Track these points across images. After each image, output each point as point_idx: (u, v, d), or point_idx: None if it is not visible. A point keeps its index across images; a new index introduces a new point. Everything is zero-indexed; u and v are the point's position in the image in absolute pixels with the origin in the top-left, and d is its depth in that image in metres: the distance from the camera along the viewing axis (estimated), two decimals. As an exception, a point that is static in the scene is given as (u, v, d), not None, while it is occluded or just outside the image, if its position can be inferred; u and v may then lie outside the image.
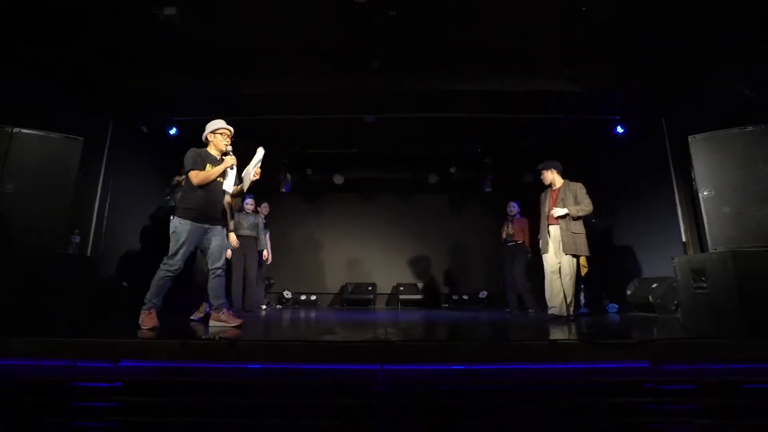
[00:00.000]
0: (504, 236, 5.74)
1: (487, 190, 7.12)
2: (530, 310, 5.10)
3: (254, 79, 4.66)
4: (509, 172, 7.31)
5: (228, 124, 3.22)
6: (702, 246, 4.30)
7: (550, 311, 3.99)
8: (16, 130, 3.24)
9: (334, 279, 7.97)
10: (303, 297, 7.75)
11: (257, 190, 7.08)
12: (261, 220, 5.85)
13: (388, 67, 4.47)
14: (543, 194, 4.35)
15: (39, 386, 1.96)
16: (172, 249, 2.91)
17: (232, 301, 5.53)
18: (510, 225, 5.71)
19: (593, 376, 2.04)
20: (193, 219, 2.94)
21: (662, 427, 1.87)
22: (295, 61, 4.41)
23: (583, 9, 3.52)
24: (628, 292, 5.06)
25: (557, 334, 2.88)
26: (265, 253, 5.89)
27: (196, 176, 2.96)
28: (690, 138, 3.28)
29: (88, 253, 4.34)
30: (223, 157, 3.15)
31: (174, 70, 4.49)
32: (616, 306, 5.30)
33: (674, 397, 1.95)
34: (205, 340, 2.22)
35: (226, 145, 3.15)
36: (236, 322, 3.04)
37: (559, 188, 4.19)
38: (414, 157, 7.12)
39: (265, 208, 6.28)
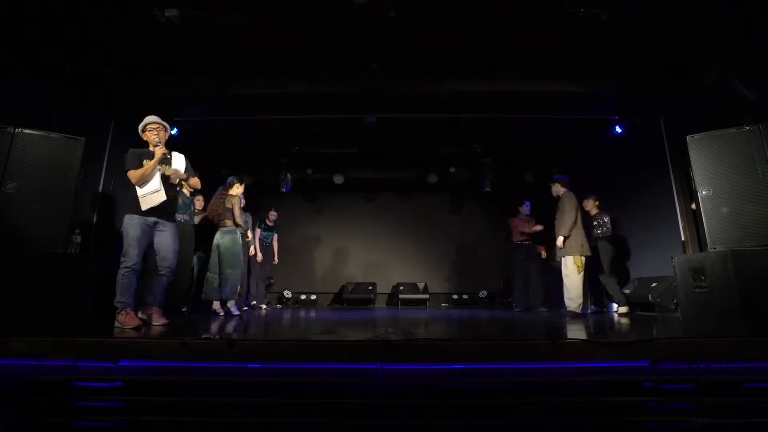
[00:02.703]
0: (529, 234, 5.82)
1: (487, 189, 7.12)
2: (517, 309, 5.12)
3: (255, 80, 4.65)
4: (508, 172, 7.30)
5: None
6: (701, 245, 4.29)
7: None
8: (17, 130, 3.24)
9: (334, 278, 7.96)
10: (303, 296, 7.74)
11: (257, 191, 7.11)
12: (250, 218, 5.73)
13: (387, 68, 4.46)
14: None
15: (40, 386, 1.95)
16: (124, 246, 2.95)
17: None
18: (531, 222, 5.79)
19: (593, 375, 2.03)
20: (140, 213, 2.97)
21: (662, 427, 1.86)
22: (296, 61, 4.40)
23: (581, 11, 3.51)
24: (627, 292, 5.05)
25: (557, 333, 2.88)
26: (251, 250, 5.76)
27: (132, 175, 3.00)
28: (688, 138, 3.27)
29: (89, 253, 4.32)
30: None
31: (175, 70, 4.48)
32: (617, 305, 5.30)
33: (674, 396, 1.94)
34: (205, 340, 2.21)
35: (156, 139, 3.14)
36: (162, 321, 3.05)
37: (560, 200, 4.62)
38: (414, 157, 7.11)
39: (272, 215, 6.23)
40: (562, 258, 4.45)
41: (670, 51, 4.02)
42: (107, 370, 1.99)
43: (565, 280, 4.41)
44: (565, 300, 4.44)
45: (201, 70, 4.49)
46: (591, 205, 5.14)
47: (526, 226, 5.83)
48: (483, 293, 7.70)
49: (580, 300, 4.33)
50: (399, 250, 8.08)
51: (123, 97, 4.60)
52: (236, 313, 4.36)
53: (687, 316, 3.11)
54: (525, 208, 5.94)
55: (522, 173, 7.24)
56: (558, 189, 4.70)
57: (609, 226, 5.05)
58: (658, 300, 4.46)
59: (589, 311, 4.57)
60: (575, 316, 4.22)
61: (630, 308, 4.77)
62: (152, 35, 3.78)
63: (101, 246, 4.47)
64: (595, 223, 5.05)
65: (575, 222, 4.41)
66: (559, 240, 4.38)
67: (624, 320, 4.01)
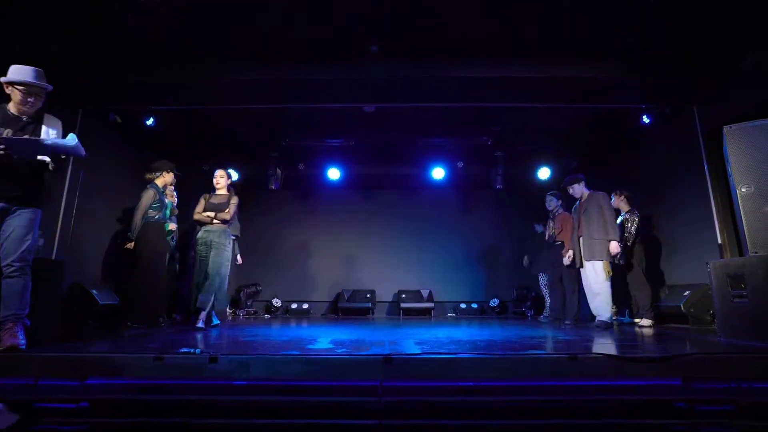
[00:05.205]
0: (547, 236, 5.84)
1: (498, 186, 7.10)
2: (567, 321, 5.09)
3: (242, 65, 4.64)
4: (523, 168, 7.29)
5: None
6: (740, 249, 4.26)
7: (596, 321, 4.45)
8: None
9: (329, 285, 7.95)
10: (294, 305, 7.74)
11: (243, 188, 7.09)
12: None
13: (389, 52, 4.45)
14: (575, 207, 4.92)
15: (-5, 407, 1.93)
16: None
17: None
18: (551, 222, 5.77)
19: (618, 394, 2.02)
20: None
21: (697, 453, 1.85)
22: (287, 45, 4.38)
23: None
24: (658, 301, 5.03)
25: (578, 347, 2.87)
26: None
27: None
28: (725, 128, 3.26)
29: (53, 257, 4.31)
30: (22, 116, 2.69)
31: (152, 53, 4.46)
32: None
33: (710, 418, 1.92)
34: (184, 355, 2.20)
35: (21, 104, 2.69)
36: (9, 343, 2.44)
37: (584, 200, 4.71)
38: (417, 151, 7.10)
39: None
40: (588, 263, 4.47)
41: (704, 33, 3.99)
42: (72, 389, 1.98)
43: (594, 287, 4.44)
44: (593, 310, 4.47)
45: (182, 53, 4.47)
46: (620, 203, 5.14)
47: (546, 227, 5.84)
48: (494, 302, 7.69)
49: (611, 309, 4.44)
50: (401, 254, 8.07)
51: (93, 82, 4.58)
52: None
53: (725, 329, 3.09)
54: (547, 204, 5.88)
55: (537, 169, 7.23)
56: (581, 189, 4.82)
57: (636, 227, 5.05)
58: (692, 310, 4.44)
59: (613, 320, 4.58)
60: (606, 327, 4.26)
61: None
62: (129, 15, 3.76)
63: (67, 249, 4.47)
64: (629, 224, 5.04)
65: None
66: (615, 246, 4.38)
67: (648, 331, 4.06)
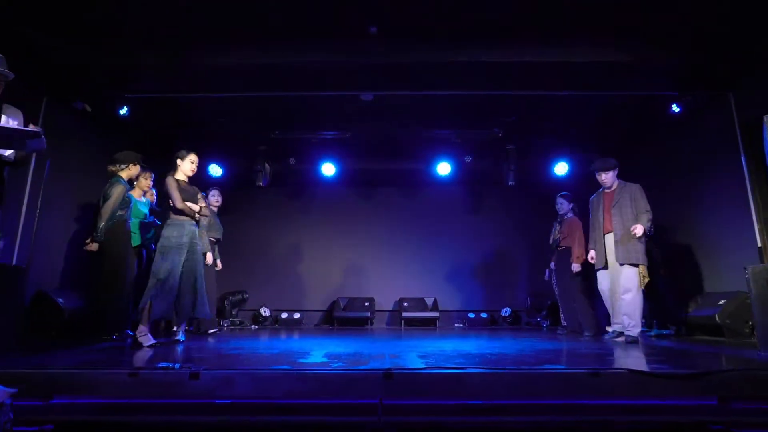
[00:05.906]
0: (551, 240, 5.90)
1: (510, 183, 7.09)
2: (586, 333, 5.10)
3: (226, 48, 4.62)
4: (538, 162, 7.29)
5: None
6: (782, 252, 4.27)
7: (611, 330, 4.50)
8: None
9: (323, 293, 7.97)
10: (284, 315, 7.76)
11: (227, 185, 7.08)
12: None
13: (389, 34, 4.42)
14: (594, 198, 4.83)
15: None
16: None
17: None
18: (558, 226, 5.83)
19: (645, 415, 2.00)
20: None
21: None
22: (276, 25, 4.36)
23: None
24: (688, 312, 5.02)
25: (600, 361, 2.87)
26: None
27: None
28: (766, 117, 3.25)
29: (13, 261, 4.30)
30: None
31: (126, 33, 4.44)
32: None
33: (751, 443, 1.91)
34: (162, 370, 2.19)
35: None
36: None
37: (614, 191, 4.60)
38: (420, 144, 7.10)
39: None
40: (621, 267, 4.36)
41: (742, 10, 3.98)
42: (36, 410, 1.96)
43: (626, 295, 4.33)
44: (622, 321, 4.39)
45: (158, 34, 4.45)
46: None
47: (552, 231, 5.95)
48: (506, 312, 7.69)
49: (641, 320, 4.34)
50: (403, 258, 8.08)
51: (59, 67, 4.57)
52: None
53: (766, 342, 3.08)
54: (557, 206, 5.91)
55: (554, 164, 7.24)
56: (614, 177, 4.66)
57: None
58: (728, 321, 4.43)
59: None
60: (633, 341, 4.16)
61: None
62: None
63: (30, 253, 4.45)
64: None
65: None
66: (639, 229, 4.25)
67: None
